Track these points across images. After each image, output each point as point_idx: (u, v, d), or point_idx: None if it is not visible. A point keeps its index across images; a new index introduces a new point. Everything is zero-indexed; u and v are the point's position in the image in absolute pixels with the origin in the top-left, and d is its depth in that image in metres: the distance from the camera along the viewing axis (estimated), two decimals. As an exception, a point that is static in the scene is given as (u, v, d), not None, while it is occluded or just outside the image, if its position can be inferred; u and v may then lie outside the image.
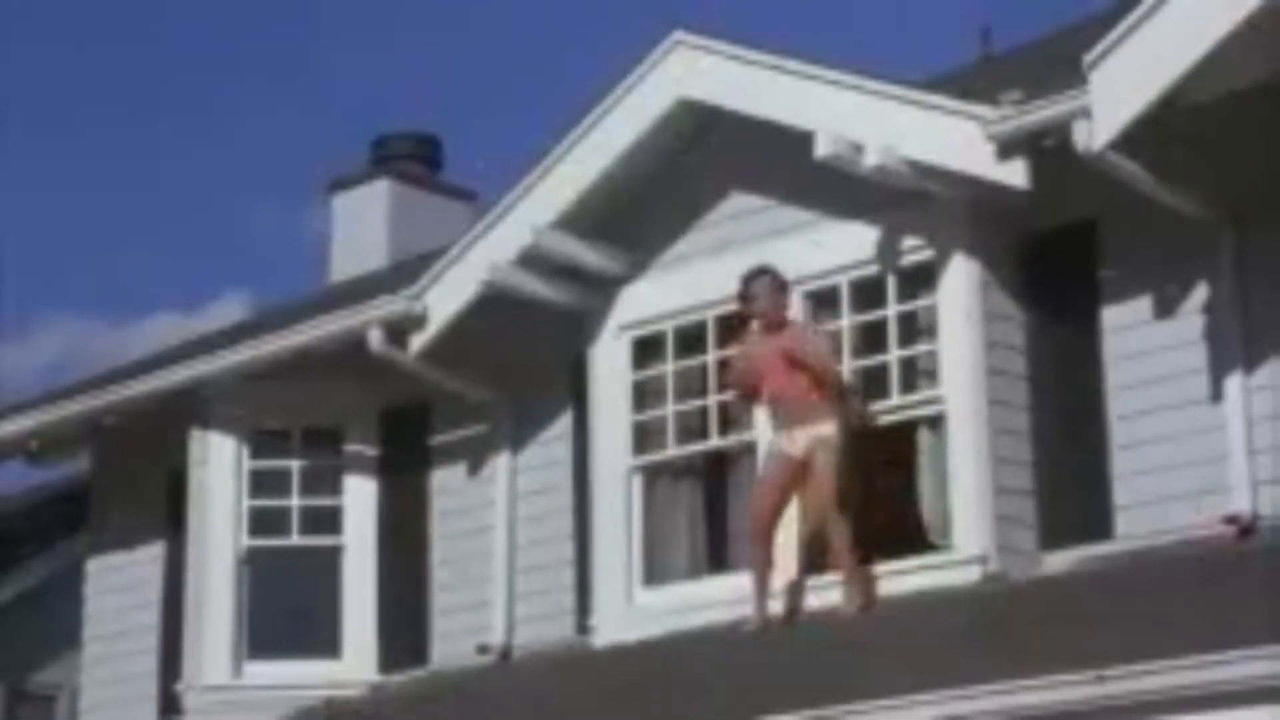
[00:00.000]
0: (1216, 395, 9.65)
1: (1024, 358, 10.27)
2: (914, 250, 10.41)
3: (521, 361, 12.04)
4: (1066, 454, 10.10)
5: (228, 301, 34.16)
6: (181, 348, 14.34)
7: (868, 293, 10.59)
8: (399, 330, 11.95)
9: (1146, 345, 9.90)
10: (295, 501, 12.84)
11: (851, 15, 32.71)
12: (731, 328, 10.80)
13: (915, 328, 10.46)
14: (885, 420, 10.41)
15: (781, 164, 10.75)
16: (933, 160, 10.11)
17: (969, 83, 11.08)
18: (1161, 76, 9.17)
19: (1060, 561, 9.94)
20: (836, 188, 10.51)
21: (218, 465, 12.79)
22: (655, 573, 11.24)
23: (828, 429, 10.12)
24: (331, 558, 12.73)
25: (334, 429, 12.81)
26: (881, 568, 10.21)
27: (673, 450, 11.24)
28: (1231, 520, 9.44)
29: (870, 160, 10.16)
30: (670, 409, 11.25)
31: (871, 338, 10.57)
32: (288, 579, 12.77)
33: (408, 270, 12.84)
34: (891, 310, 10.50)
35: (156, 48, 36.41)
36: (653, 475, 11.34)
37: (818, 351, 10.26)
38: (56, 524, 16.65)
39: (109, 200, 35.10)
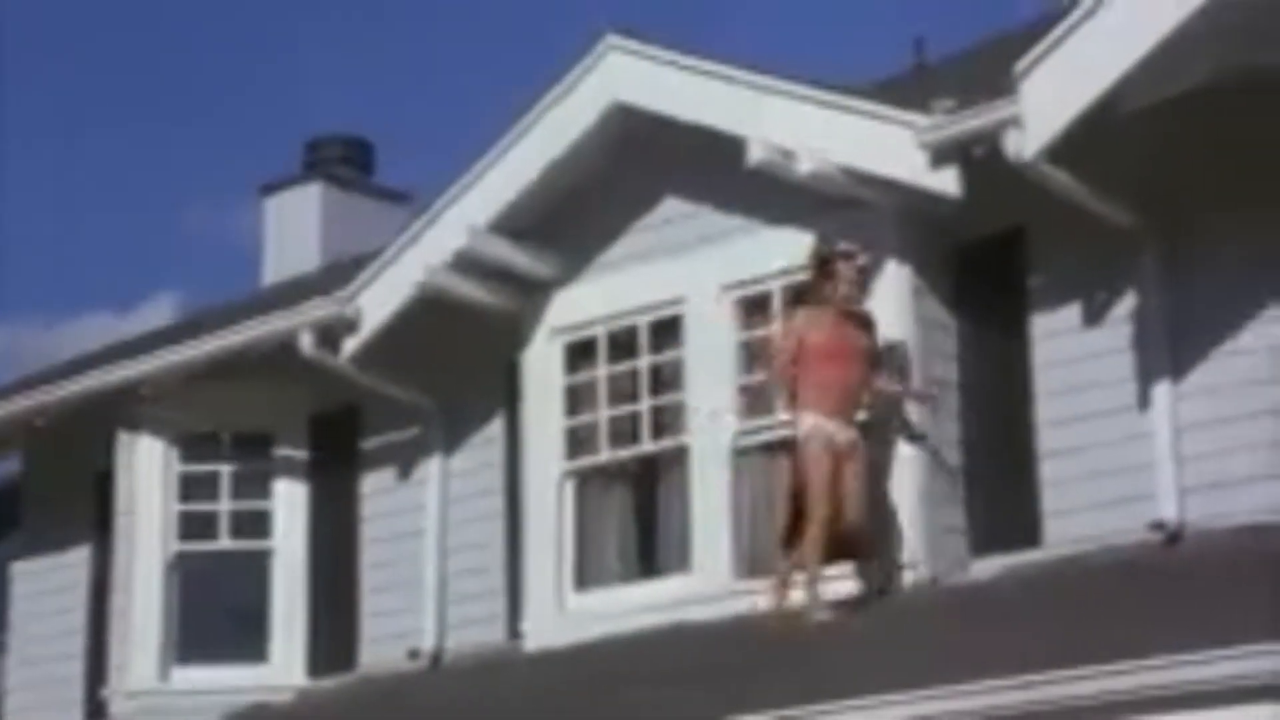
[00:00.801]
0: (1144, 402, 9.71)
1: (955, 364, 10.31)
2: (846, 257, 10.41)
3: (454, 365, 12.01)
4: (996, 460, 10.15)
5: (159, 303, 33.94)
6: (112, 349, 14.25)
7: (800, 299, 10.58)
8: (331, 333, 11.91)
9: (1075, 352, 9.95)
10: (225, 505, 12.77)
11: (786, 23, 32.80)
12: (792, 300, 10.36)
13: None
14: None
15: (715, 169, 10.76)
16: (866, 167, 10.14)
17: (902, 91, 11.12)
18: (1091, 86, 9.23)
19: (989, 568, 9.98)
20: (770, 194, 10.54)
21: (147, 468, 12.71)
22: (587, 577, 11.24)
23: (854, 431, 9.98)
24: (261, 562, 12.68)
25: (264, 432, 12.76)
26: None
27: (605, 455, 11.25)
28: (1158, 526, 9.51)
29: (803, 167, 10.19)
30: (603, 413, 11.25)
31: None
32: (217, 583, 12.71)
33: (340, 273, 12.78)
34: (823, 317, 10.49)
35: (85, 50, 36.22)
36: (585, 480, 11.34)
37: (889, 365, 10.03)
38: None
39: (40, 200, 34.88)
